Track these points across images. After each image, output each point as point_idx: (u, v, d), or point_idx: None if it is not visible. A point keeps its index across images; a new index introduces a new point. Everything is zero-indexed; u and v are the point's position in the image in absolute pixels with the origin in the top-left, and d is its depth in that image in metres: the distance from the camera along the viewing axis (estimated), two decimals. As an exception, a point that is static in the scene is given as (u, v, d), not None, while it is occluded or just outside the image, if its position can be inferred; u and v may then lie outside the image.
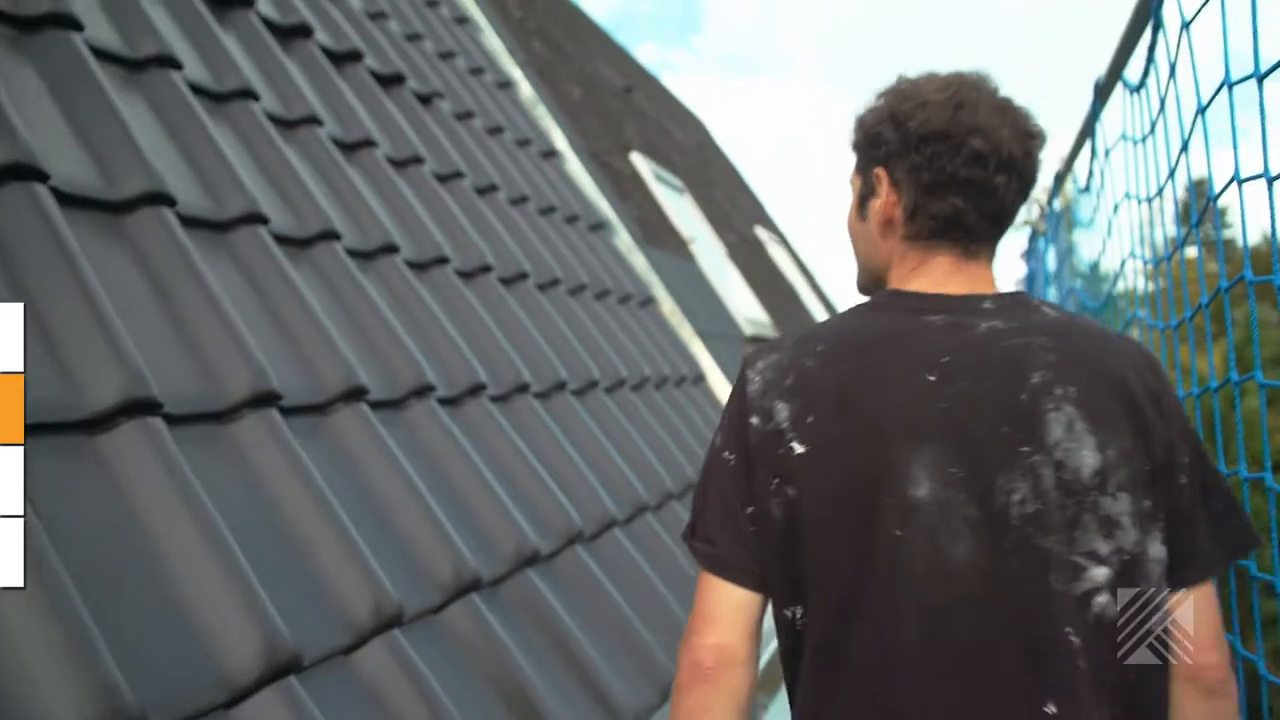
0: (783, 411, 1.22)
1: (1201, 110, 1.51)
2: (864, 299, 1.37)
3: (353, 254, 2.36)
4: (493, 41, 5.04)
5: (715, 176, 10.25)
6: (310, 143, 2.55)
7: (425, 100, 3.61)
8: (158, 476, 1.38)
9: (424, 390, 2.14)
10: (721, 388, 4.48)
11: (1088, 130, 2.84)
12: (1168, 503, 1.16)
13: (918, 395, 1.16)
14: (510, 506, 2.12)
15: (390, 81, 3.39)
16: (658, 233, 5.62)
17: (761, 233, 10.25)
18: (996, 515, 1.11)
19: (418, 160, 3.08)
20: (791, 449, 1.20)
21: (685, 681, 1.24)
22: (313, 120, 2.59)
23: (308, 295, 1.97)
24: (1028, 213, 4.74)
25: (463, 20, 4.93)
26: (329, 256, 2.22)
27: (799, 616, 1.21)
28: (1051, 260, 4.47)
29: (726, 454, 1.28)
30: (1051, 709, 1.09)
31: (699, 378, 4.37)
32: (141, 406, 1.42)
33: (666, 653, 2.32)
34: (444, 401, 2.28)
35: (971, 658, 1.11)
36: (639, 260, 4.67)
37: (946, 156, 1.24)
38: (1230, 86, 1.39)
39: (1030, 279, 5.21)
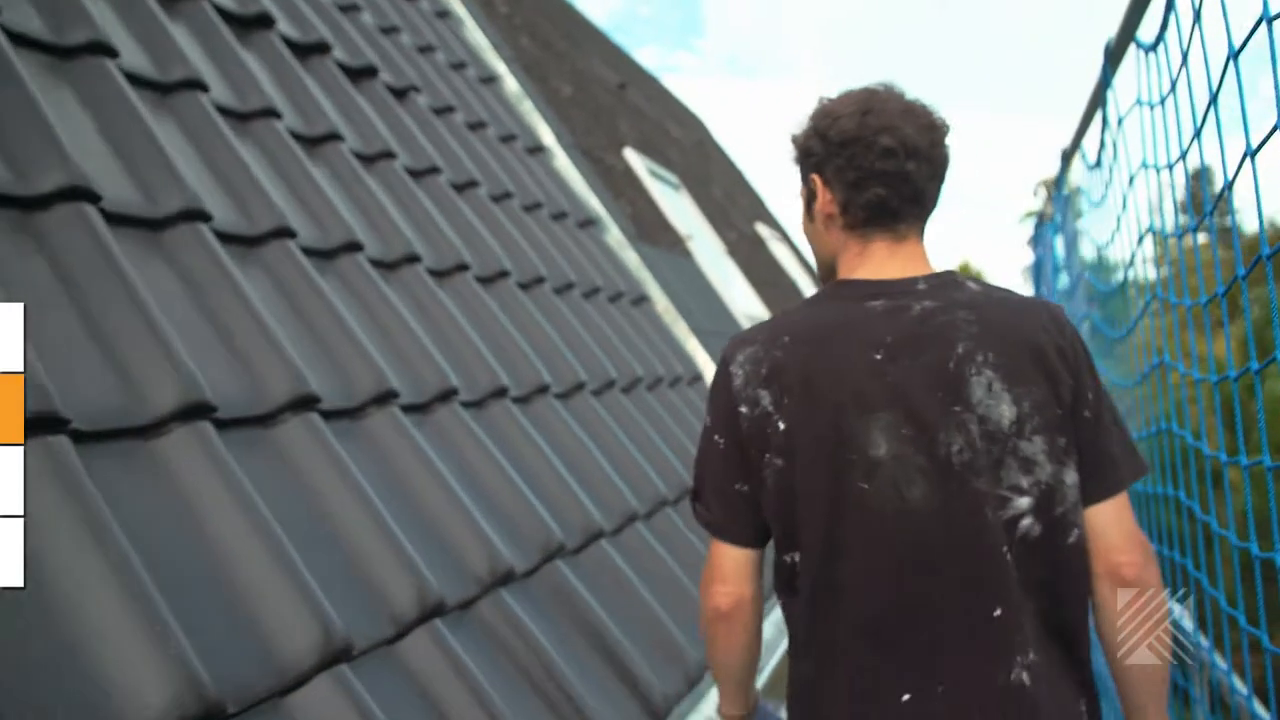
0: (766, 398, 1.47)
1: (1234, 54, 1.32)
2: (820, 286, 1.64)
3: (310, 253, 2.21)
4: (476, 36, 4.89)
5: (714, 174, 10.07)
6: (266, 137, 2.40)
7: (400, 94, 3.46)
8: (62, 499, 1.23)
9: (385, 397, 1.99)
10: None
11: (1098, 100, 2.66)
12: (1078, 436, 1.42)
13: (868, 373, 1.41)
14: (482, 522, 1.96)
15: (360, 74, 3.24)
16: (652, 229, 5.46)
17: (763, 230, 10.08)
18: (942, 463, 1.38)
19: (389, 155, 2.93)
20: (778, 427, 1.45)
21: (709, 621, 1.58)
22: (270, 113, 2.44)
23: (253, 298, 1.81)
24: (1036, 200, 4.59)
25: (444, 14, 4.79)
26: (282, 256, 2.06)
27: (796, 561, 1.48)
28: (1060, 246, 4.30)
29: (717, 438, 1.53)
30: (998, 612, 1.37)
31: (695, 377, 4.21)
32: (45, 423, 1.27)
33: (658, 673, 2.17)
34: (410, 409, 2.12)
35: (934, 577, 1.38)
36: (631, 257, 4.51)
37: (863, 155, 1.49)
38: (1269, 22, 1.21)
39: (1038, 265, 5.04)
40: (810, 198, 1.60)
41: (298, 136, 2.56)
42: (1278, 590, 1.53)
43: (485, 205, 3.37)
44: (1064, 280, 4.19)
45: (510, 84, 4.74)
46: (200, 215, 1.84)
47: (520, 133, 4.38)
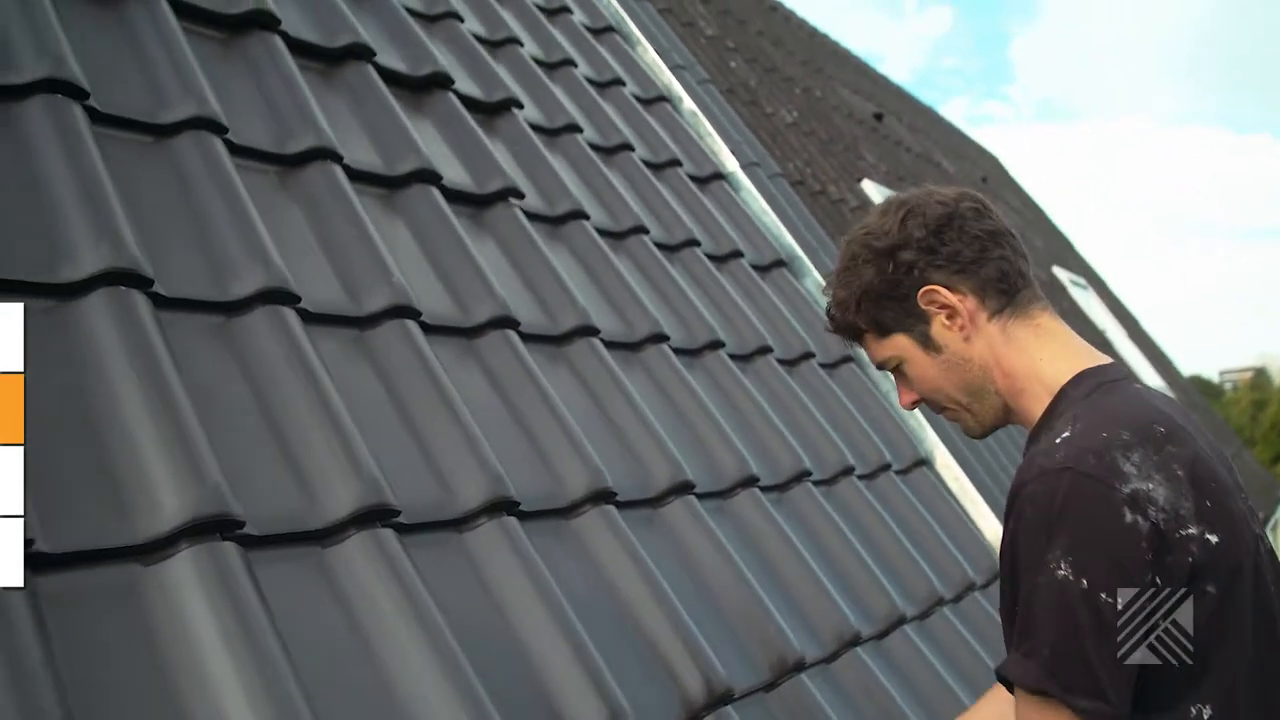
0: (1184, 508, 1.30)
1: None
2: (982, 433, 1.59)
3: (613, 346, 2.43)
4: (648, 55, 4.28)
5: (1001, 212, 9.64)
6: (575, 237, 2.67)
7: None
8: (388, 586, 1.48)
9: (682, 488, 2.17)
10: (950, 469, 3.40)
11: None
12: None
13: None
14: (773, 608, 2.08)
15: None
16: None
17: (1062, 274, 9.44)
18: None
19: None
20: (1206, 542, 1.30)
21: None
22: (578, 215, 2.71)
23: (555, 396, 2.05)
24: None
25: (606, 30, 4.22)
26: (586, 352, 2.31)
27: (1207, 714, 1.28)
28: None
29: (1106, 597, 1.27)
30: None
31: (919, 461, 3.33)
32: (374, 515, 1.53)
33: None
34: (707, 496, 2.28)
35: None
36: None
37: (959, 230, 1.50)
38: None
39: None
40: (923, 329, 1.51)
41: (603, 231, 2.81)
42: None
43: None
44: None
45: (687, 104, 4.13)
46: (509, 322, 2.12)
47: (687, 159, 3.77)
